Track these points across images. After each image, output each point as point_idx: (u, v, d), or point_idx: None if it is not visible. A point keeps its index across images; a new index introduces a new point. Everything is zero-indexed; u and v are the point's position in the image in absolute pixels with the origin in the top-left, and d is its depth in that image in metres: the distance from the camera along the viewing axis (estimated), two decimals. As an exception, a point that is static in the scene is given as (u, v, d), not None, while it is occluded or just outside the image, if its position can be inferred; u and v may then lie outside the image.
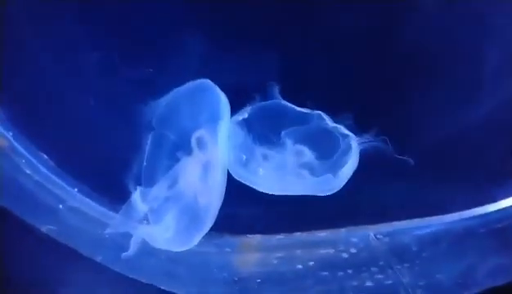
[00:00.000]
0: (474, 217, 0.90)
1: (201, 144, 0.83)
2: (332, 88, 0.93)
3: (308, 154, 0.82)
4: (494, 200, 0.91)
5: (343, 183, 0.82)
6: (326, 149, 0.82)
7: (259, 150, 0.83)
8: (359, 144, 0.82)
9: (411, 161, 0.85)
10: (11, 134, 0.91)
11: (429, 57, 0.93)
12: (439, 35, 0.94)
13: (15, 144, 0.92)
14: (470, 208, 0.91)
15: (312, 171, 0.82)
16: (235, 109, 0.84)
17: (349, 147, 0.82)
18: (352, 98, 0.91)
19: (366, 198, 0.93)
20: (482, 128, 0.95)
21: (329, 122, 0.83)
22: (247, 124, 0.82)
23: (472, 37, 0.94)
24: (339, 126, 0.82)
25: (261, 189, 0.82)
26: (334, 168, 0.82)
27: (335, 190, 0.82)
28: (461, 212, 0.91)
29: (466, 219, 0.90)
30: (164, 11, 0.93)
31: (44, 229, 0.88)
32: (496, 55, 0.94)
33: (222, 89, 0.83)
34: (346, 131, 0.82)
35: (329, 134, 0.83)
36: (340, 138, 0.82)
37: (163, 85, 0.85)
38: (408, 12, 0.92)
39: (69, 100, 0.93)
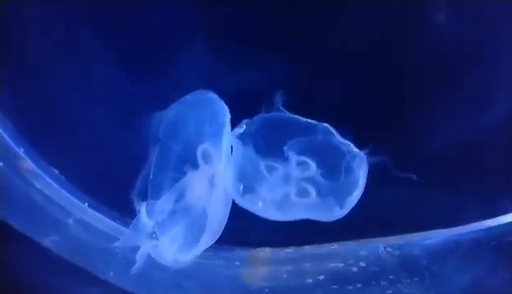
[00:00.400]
0: (485, 229, 0.90)
1: (206, 157, 0.84)
2: (338, 99, 0.93)
3: (313, 168, 0.82)
4: (506, 212, 0.91)
5: (348, 211, 0.81)
6: (333, 168, 0.81)
7: (262, 163, 0.82)
8: (367, 160, 0.81)
9: (414, 177, 0.84)
10: (22, 150, 0.93)
11: (439, 66, 0.93)
12: (447, 43, 0.94)
13: (27, 159, 0.93)
14: (481, 220, 0.91)
15: (318, 188, 0.81)
16: (239, 119, 0.84)
17: (358, 171, 0.80)
18: (359, 109, 0.92)
19: (376, 210, 0.93)
20: (494, 138, 0.94)
21: (336, 136, 0.82)
22: (249, 136, 0.82)
23: (480, 44, 0.94)
24: (347, 142, 0.81)
25: (263, 215, 0.82)
26: (341, 193, 0.80)
27: (339, 218, 0.81)
28: (472, 224, 0.91)
29: (476, 231, 0.90)
30: (169, 18, 0.94)
31: (48, 241, 0.88)
32: (506, 62, 0.94)
33: (226, 99, 0.84)
34: (355, 150, 0.80)
35: (336, 150, 0.82)
36: (349, 157, 0.81)
37: (168, 95, 0.86)
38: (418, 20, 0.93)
39: (79, 116, 0.95)
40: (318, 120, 0.84)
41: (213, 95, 0.83)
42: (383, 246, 0.91)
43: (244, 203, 0.80)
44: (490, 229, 0.89)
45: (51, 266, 0.89)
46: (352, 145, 0.81)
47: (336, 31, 0.94)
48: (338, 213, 0.80)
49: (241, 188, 0.80)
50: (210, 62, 0.93)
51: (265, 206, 0.80)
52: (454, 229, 0.90)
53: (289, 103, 0.85)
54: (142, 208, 0.83)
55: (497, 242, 0.88)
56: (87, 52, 0.95)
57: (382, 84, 0.95)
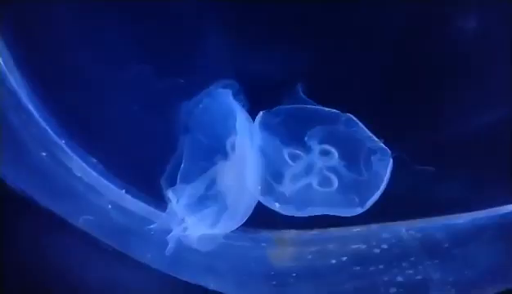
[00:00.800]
0: (508, 213, 0.90)
1: (234, 148, 0.88)
2: (358, 89, 0.95)
3: (336, 158, 0.84)
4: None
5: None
6: (356, 161, 0.82)
7: (285, 151, 0.85)
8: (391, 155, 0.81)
9: (432, 169, 0.85)
10: (63, 141, 1.00)
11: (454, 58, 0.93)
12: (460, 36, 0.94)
13: (68, 150, 1.00)
14: (504, 205, 0.91)
15: (340, 178, 0.83)
16: (261, 109, 0.87)
17: (382, 170, 0.80)
18: (377, 100, 0.93)
19: (399, 194, 0.95)
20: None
21: (361, 128, 0.83)
22: (273, 126, 0.85)
23: (489, 38, 0.93)
24: (373, 137, 0.82)
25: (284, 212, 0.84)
26: (363, 190, 0.81)
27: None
28: (495, 208, 0.91)
29: (499, 215, 0.91)
30: (190, 10, 0.97)
31: (85, 222, 0.95)
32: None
33: (248, 88, 0.86)
34: (380, 145, 0.81)
35: (360, 143, 0.83)
36: (373, 153, 0.82)
37: (194, 86, 0.90)
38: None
39: (115, 110, 1.01)
40: (341, 110, 0.86)
41: (229, 90, 0.86)
42: (405, 229, 0.93)
43: (265, 201, 0.84)
44: (513, 212, 0.90)
45: (88, 249, 0.97)
46: (377, 140, 0.82)
47: (358, 19, 0.95)
48: (358, 210, 0.82)
49: (259, 188, 0.84)
50: (232, 52, 0.96)
51: (285, 202, 0.83)
52: (477, 212, 0.91)
53: (310, 92, 0.87)
54: (173, 194, 0.88)
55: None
56: (119, 48, 1.00)
57: (404, 74, 0.95)
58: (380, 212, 0.94)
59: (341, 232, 0.96)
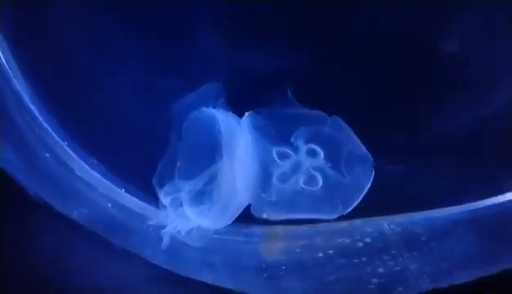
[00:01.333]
0: (483, 208, 0.98)
1: (227, 149, 0.93)
2: (347, 90, 1.01)
3: (322, 157, 0.89)
4: (503, 192, 0.98)
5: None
6: (340, 164, 0.87)
7: (274, 150, 0.90)
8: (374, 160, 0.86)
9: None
10: (65, 143, 1.06)
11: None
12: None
13: (69, 151, 1.06)
14: (480, 199, 0.98)
15: (325, 178, 0.88)
16: (249, 109, 0.91)
17: (364, 177, 0.85)
18: (365, 97, 0.98)
19: (382, 190, 1.01)
20: (495, 125, 1.01)
21: (347, 132, 0.88)
22: (261, 127, 0.90)
23: (483, 37, 0.99)
24: (358, 142, 0.87)
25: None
26: (345, 194, 0.86)
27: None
28: (471, 204, 0.99)
29: (475, 210, 0.98)
30: (184, 12, 1.02)
31: (81, 217, 1.00)
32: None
33: (238, 89, 0.92)
34: (364, 152, 0.86)
35: (345, 147, 0.87)
36: (356, 159, 0.87)
37: (187, 87, 0.95)
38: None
39: (115, 114, 1.06)
40: (328, 111, 0.91)
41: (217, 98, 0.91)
42: (387, 223, 1.00)
43: (253, 210, 0.89)
44: (486, 208, 0.97)
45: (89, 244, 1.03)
46: (362, 147, 0.88)
47: (348, 22, 1.00)
48: (340, 213, 0.88)
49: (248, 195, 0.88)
50: (221, 52, 1.01)
51: (271, 211, 0.88)
52: (454, 208, 0.98)
53: (298, 94, 0.93)
54: (166, 192, 0.94)
55: (494, 221, 0.96)
56: (119, 52, 1.06)
57: (390, 76, 1.01)
58: (364, 208, 1.01)
59: (327, 227, 1.02)
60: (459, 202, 0.98)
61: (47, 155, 1.05)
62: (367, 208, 1.00)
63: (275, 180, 0.90)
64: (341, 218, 1.01)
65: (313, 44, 1.02)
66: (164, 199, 0.94)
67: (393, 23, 1.00)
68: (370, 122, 0.94)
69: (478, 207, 0.97)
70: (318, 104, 0.92)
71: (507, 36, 0.99)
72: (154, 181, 0.93)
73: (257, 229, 1.04)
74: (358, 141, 0.89)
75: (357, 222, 1.01)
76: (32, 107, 1.06)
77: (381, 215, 1.02)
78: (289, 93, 0.91)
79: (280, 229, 1.04)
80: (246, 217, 0.96)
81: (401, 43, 1.00)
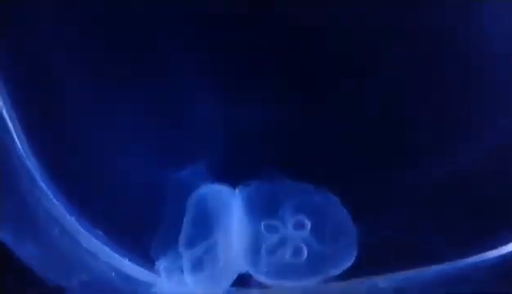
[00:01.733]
0: (475, 263, 0.98)
1: (224, 222, 0.99)
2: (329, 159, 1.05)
3: (308, 229, 0.93)
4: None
5: None
6: (326, 236, 0.92)
7: (262, 223, 0.95)
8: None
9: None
10: (73, 218, 1.12)
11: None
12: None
13: (76, 224, 1.12)
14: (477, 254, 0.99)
15: (311, 249, 0.92)
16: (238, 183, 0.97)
17: (349, 249, 0.90)
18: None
19: (373, 248, 1.03)
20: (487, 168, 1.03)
21: (334, 205, 0.93)
22: (249, 201, 0.95)
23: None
24: (346, 214, 0.92)
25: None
26: (329, 264, 0.91)
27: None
28: (463, 260, 0.99)
29: (468, 265, 0.99)
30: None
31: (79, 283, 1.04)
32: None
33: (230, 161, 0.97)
34: (350, 226, 0.90)
35: (332, 220, 0.92)
36: (341, 233, 0.91)
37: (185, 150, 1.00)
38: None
39: (115, 179, 1.12)
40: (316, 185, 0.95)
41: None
42: (380, 282, 1.01)
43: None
44: (478, 263, 0.98)
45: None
46: (349, 219, 0.92)
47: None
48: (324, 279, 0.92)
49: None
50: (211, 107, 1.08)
51: (264, 277, 0.92)
52: (444, 265, 0.99)
53: (286, 165, 0.98)
54: (166, 260, 0.99)
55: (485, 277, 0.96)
56: (123, 131, 1.13)
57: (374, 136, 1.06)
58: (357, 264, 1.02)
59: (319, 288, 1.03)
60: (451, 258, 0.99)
61: (56, 229, 1.11)
62: (362, 267, 1.03)
63: (263, 252, 0.93)
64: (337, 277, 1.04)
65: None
66: (163, 267, 0.98)
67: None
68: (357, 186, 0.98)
69: (471, 261, 0.97)
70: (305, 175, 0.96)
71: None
72: (153, 251, 0.98)
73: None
74: (347, 215, 0.92)
75: (353, 282, 1.03)
76: (42, 184, 1.13)
77: (376, 274, 1.03)
78: (278, 168, 0.96)
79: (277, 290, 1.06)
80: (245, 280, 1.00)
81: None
